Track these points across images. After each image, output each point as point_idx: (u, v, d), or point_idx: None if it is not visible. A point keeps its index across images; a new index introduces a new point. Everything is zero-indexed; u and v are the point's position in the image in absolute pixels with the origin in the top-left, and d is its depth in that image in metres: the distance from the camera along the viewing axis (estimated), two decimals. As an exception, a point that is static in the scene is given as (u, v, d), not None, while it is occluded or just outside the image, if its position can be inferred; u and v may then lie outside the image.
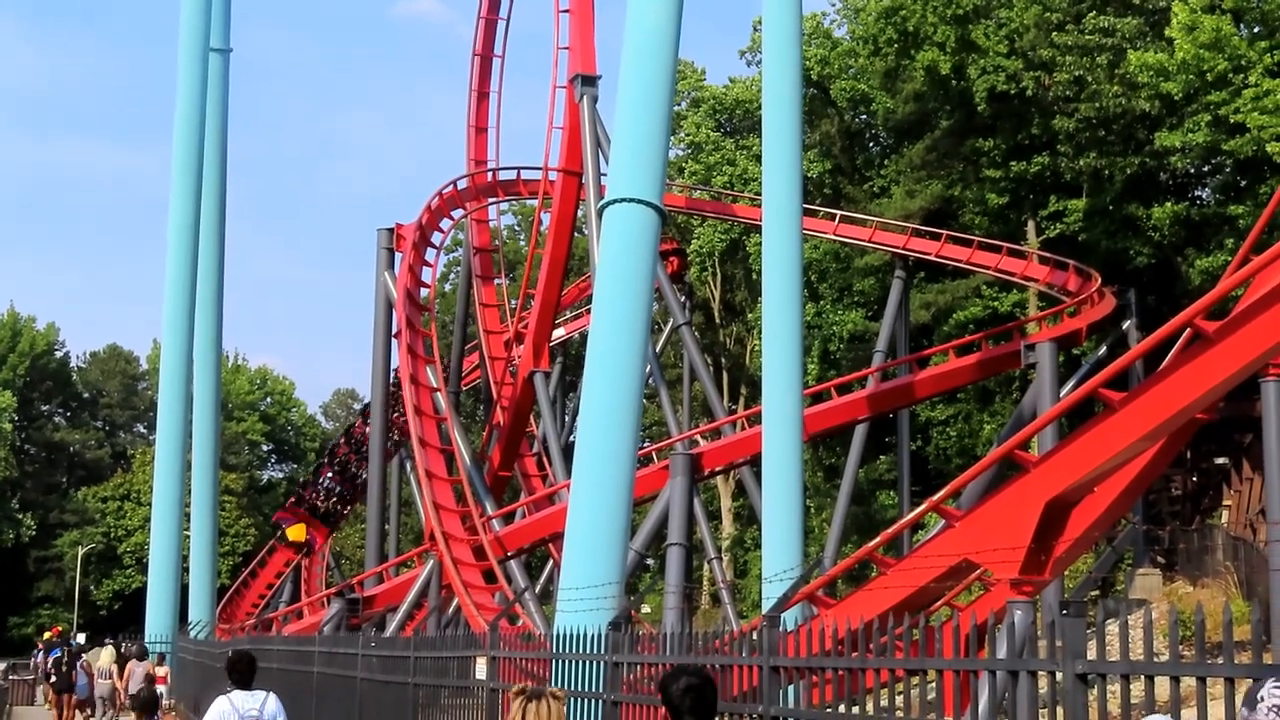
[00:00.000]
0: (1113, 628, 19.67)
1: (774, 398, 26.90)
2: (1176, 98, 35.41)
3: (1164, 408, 14.36)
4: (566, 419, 52.10)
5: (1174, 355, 15.64)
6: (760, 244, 29.20)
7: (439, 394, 41.66)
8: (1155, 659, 6.09)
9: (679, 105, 68.65)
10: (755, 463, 31.24)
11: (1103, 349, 39.43)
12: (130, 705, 18.64)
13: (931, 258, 44.99)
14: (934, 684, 8.05)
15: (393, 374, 45.80)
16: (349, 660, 18.03)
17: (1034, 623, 6.60)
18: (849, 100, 58.05)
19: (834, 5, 63.63)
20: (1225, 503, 36.76)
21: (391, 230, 44.79)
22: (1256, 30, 34.88)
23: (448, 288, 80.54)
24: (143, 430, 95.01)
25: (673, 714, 5.93)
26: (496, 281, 51.10)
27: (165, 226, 40.89)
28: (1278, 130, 31.23)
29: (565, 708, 6.71)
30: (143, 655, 30.19)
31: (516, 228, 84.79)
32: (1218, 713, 5.67)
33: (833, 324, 53.28)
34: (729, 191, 59.05)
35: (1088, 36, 39.48)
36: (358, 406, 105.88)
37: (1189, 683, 6.02)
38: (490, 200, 50.79)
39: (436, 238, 47.62)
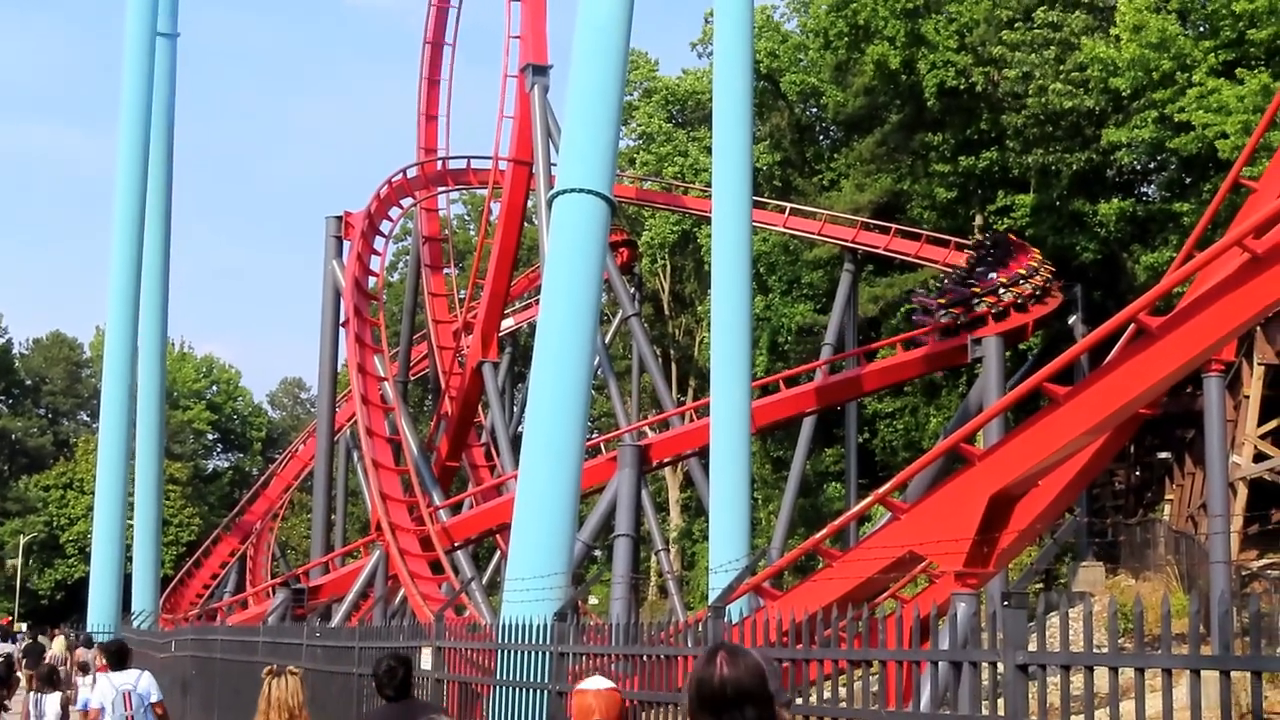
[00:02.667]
0: (1056, 620, 19.83)
1: (722, 390, 26.92)
2: (1124, 94, 35.69)
3: (1107, 402, 14.47)
4: (515, 409, 52.07)
5: (1118, 351, 15.79)
6: (710, 236, 29.20)
7: (386, 383, 41.53)
8: (1095, 650, 6.13)
9: (631, 96, 68.66)
10: (703, 454, 31.28)
11: (1049, 344, 39.71)
12: None
13: (880, 251, 45.19)
14: (877, 676, 8.09)
15: (340, 363, 45.62)
16: (293, 651, 17.92)
17: (977, 614, 6.66)
18: (799, 93, 58.18)
19: (785, -2, 63.83)
20: (1168, 497, 37.15)
21: (340, 218, 44.59)
22: (1202, 30, 35.19)
23: (396, 277, 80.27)
24: (86, 418, 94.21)
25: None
26: (445, 271, 50.99)
27: (111, 212, 40.45)
28: (1222, 128, 31.51)
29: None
30: (89, 644, 30.15)
31: (466, 217, 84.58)
32: (1155, 704, 5.72)
33: (782, 316, 53.42)
34: (680, 183, 59.09)
35: (1036, 32, 39.73)
36: (304, 396, 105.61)
37: (1129, 674, 6.08)
38: (440, 189, 50.68)
39: (385, 226, 47.45)
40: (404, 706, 8.78)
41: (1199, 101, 32.42)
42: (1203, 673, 5.64)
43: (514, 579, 19.20)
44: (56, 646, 31.41)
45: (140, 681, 14.97)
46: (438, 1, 53.24)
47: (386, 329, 48.17)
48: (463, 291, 50.62)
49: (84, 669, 28.79)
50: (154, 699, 14.97)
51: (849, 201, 49.43)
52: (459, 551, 37.64)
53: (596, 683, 6.41)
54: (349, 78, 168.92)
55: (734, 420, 26.69)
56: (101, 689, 14.63)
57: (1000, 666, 6.40)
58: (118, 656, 15.29)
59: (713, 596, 11.94)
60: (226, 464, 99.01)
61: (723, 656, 4.02)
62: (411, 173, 48.56)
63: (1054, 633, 19.34)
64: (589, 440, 37.55)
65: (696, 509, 57.11)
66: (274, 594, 38.87)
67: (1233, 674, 5.51)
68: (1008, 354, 37.56)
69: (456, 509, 40.34)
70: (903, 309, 47.48)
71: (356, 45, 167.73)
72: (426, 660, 12.34)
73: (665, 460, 39.35)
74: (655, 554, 50.35)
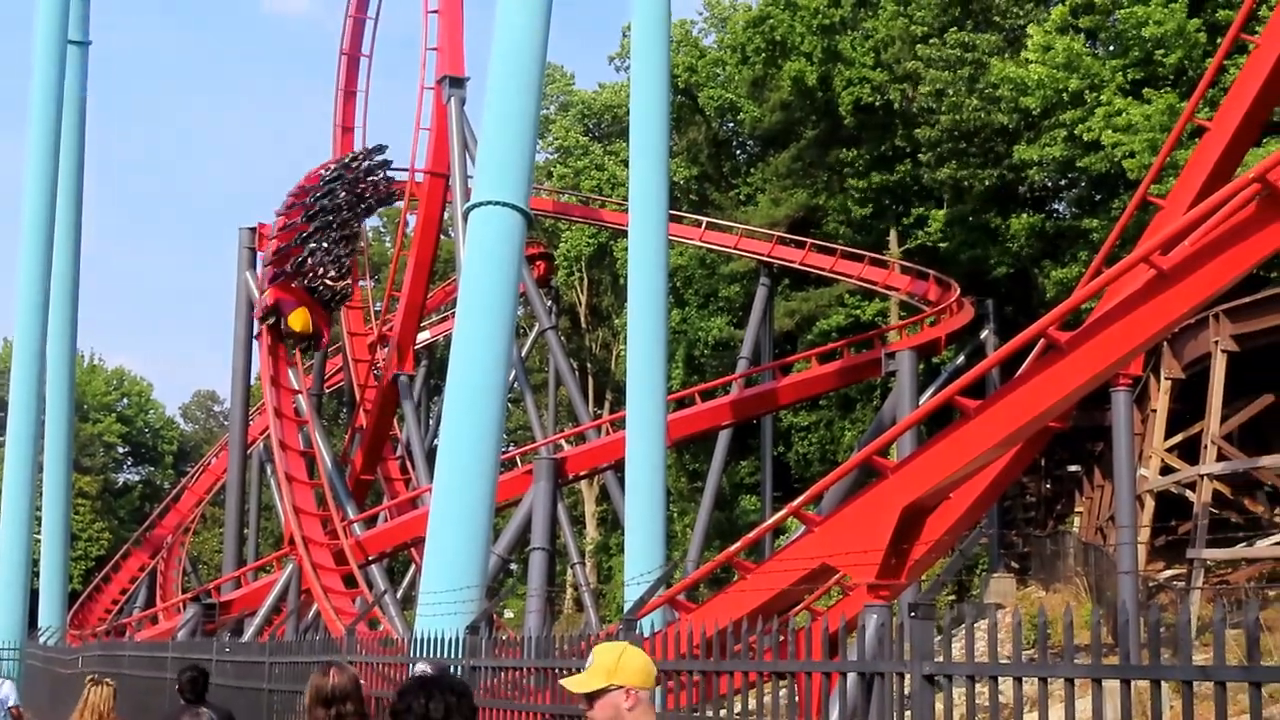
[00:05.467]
0: (988, 631, 20.00)
1: (638, 403, 26.94)
2: (1034, 113, 36.18)
3: (1017, 416, 14.64)
4: (431, 422, 51.75)
5: (1028, 365, 15.98)
6: (627, 249, 29.25)
7: (300, 396, 41.19)
8: (999, 661, 6.20)
9: (548, 109, 68.71)
10: (619, 467, 31.30)
11: (961, 358, 40.13)
12: None
13: (796, 265, 45.48)
14: (786, 689, 8.12)
15: (254, 376, 45.16)
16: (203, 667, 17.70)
17: (885, 625, 6.71)
18: (716, 108, 58.47)
19: (702, 14, 64.20)
20: (1077, 509, 37.62)
21: (254, 230, 44.19)
22: (1111, 50, 35.74)
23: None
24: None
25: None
26: (361, 283, 50.64)
27: (19, 222, 39.79)
28: (1130, 148, 32.01)
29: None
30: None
31: (382, 229, 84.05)
32: (1058, 713, 5.79)
33: (698, 330, 53.58)
34: (597, 196, 59.15)
35: (950, 50, 40.20)
36: (217, 408, 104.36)
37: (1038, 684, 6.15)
38: (356, 201, 50.31)
39: (300, 238, 47.07)
40: (195, 708, 10.54)
41: (1107, 121, 32.91)
42: (1109, 682, 5.73)
43: (428, 592, 19.11)
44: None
45: (2, 688, 19.13)
46: (355, 12, 53.00)
47: (301, 342, 47.77)
48: (378, 304, 50.32)
49: None
50: (11, 703, 18.40)
51: (765, 216, 49.72)
52: (373, 565, 37.39)
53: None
54: (265, 88, 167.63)
55: (650, 433, 26.72)
56: None
57: (908, 677, 6.46)
58: None
59: (628, 609, 11.95)
60: (137, 477, 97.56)
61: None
62: (328, 184, 48.23)
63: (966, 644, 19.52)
64: (504, 453, 37.52)
65: (613, 522, 57.08)
66: (184, 609, 38.39)
67: (1134, 683, 5.59)
68: (921, 368, 37.91)
69: (371, 523, 40.05)
70: (818, 322, 47.75)
71: (274, 57, 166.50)
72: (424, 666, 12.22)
73: (581, 473, 39.34)
74: (571, 567, 50.26)
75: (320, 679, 6.12)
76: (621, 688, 4.55)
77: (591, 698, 4.62)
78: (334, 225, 43.30)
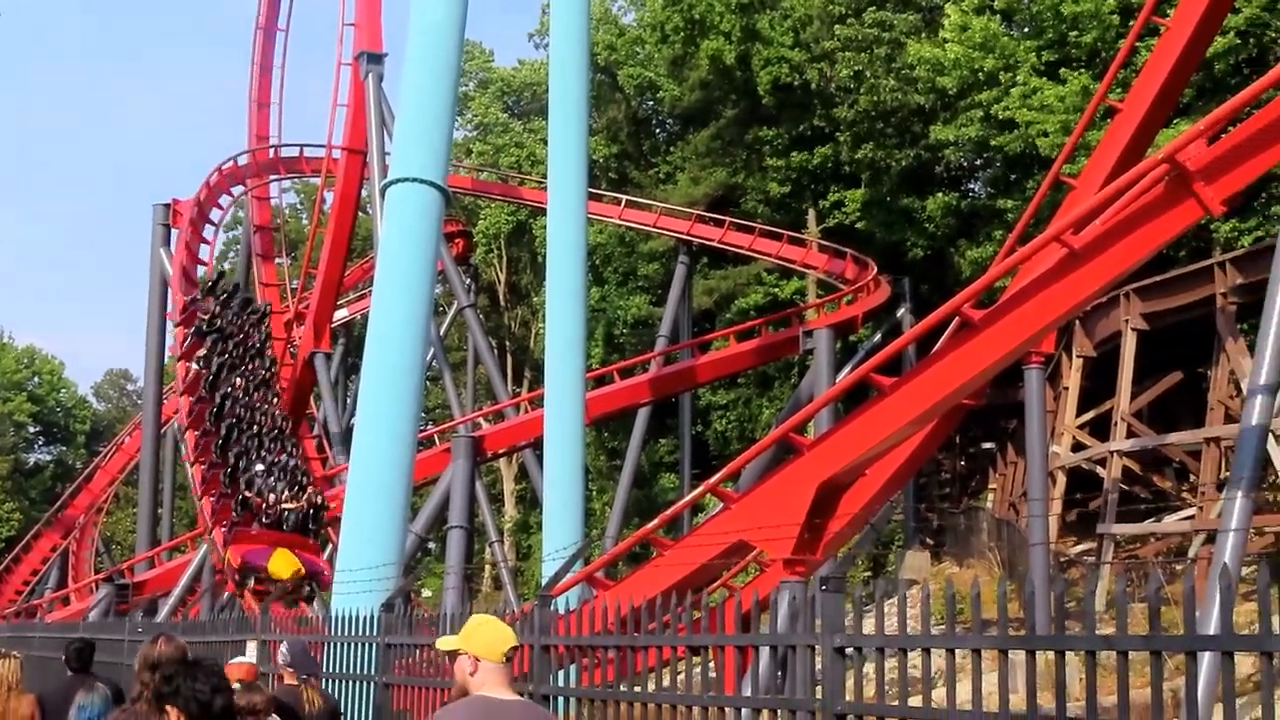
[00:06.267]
0: (885, 605, 20.11)
1: (556, 381, 26.96)
2: (950, 93, 36.45)
3: (931, 393, 14.80)
4: (348, 401, 51.48)
5: (942, 343, 16.14)
6: (546, 227, 29.23)
7: (216, 374, 40.68)
8: (908, 634, 6.28)
9: (466, 86, 68.34)
10: (538, 445, 31.28)
11: (878, 336, 40.45)
12: None
13: (715, 244, 45.60)
14: (702, 665, 8.17)
15: (168, 354, 44.66)
16: (115, 647, 17.54)
17: (796, 600, 6.77)
18: (636, 86, 58.40)
19: (622, -9, 64.03)
20: (991, 486, 38.06)
21: (168, 206, 43.71)
22: (1026, 30, 36.07)
23: (227, 266, 78.73)
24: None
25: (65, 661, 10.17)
26: (277, 261, 50.18)
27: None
28: (1044, 127, 32.34)
29: (20, 665, 10.35)
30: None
31: (299, 206, 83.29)
32: (968, 685, 5.88)
33: (617, 308, 53.59)
34: (516, 174, 58.94)
35: (867, 30, 40.38)
36: (131, 388, 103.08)
37: (958, 656, 6.23)
38: (272, 177, 49.94)
39: (215, 214, 46.69)
40: (80, 678, 10.71)
41: (1022, 101, 33.23)
42: (1016, 654, 5.81)
43: (344, 570, 19.05)
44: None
45: None
46: (271, -14, 52.37)
47: (216, 319, 47.24)
48: (295, 281, 49.89)
49: None
50: None
51: (684, 194, 49.78)
52: (290, 544, 37.06)
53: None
54: (181, 63, 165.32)
55: (568, 411, 26.76)
56: None
57: (818, 650, 6.53)
58: None
59: (544, 586, 11.99)
60: (48, 457, 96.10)
61: (163, 639, 7.02)
62: (243, 160, 47.79)
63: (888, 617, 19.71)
64: (422, 432, 37.36)
65: (532, 500, 57.04)
66: (97, 590, 37.97)
67: (1040, 654, 5.69)
68: (838, 346, 38.17)
69: (288, 502, 39.68)
70: (737, 300, 47.97)
71: (188, 28, 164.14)
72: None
73: (500, 451, 39.30)
74: (489, 545, 50.20)
75: (149, 648, 6.92)
76: (468, 654, 5.28)
77: (451, 657, 5.44)
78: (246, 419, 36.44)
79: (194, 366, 36.88)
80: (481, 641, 5.30)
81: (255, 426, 36.22)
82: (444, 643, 5.54)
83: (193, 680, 5.17)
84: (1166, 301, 26.12)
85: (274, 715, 8.25)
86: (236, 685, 7.93)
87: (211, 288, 40.65)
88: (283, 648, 9.84)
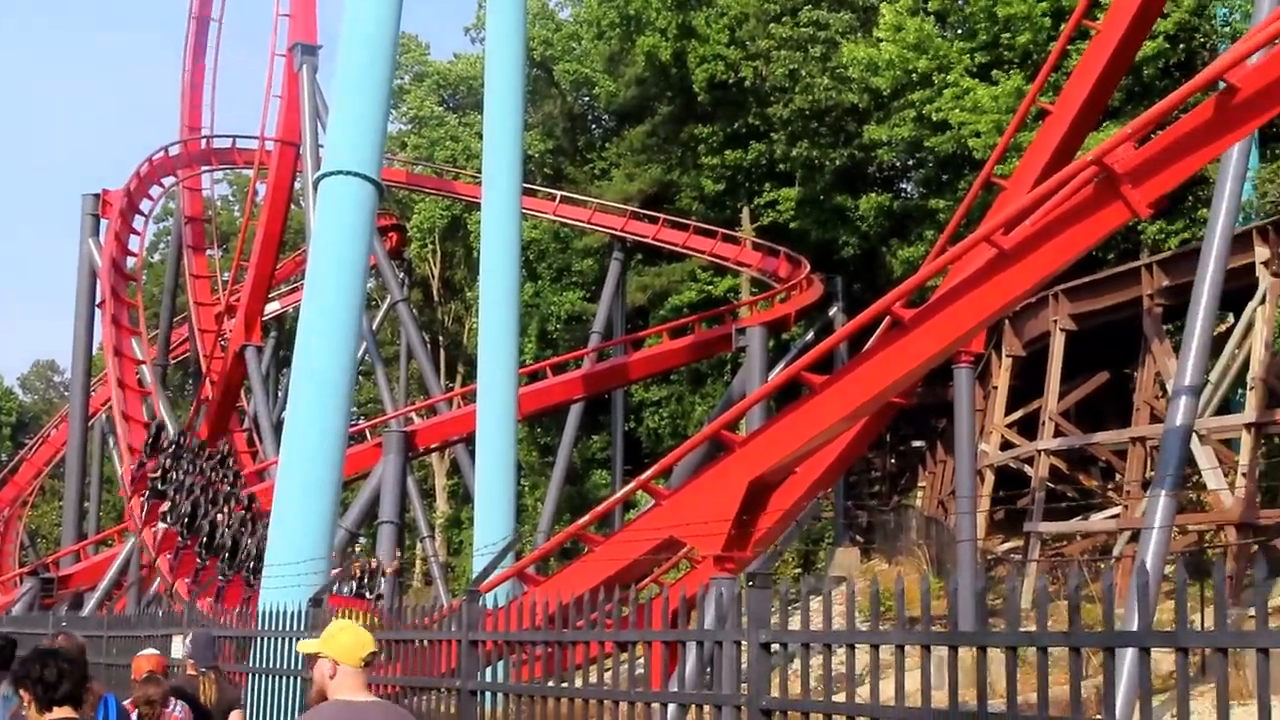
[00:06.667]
0: (815, 602, 20.33)
1: (489, 376, 26.93)
2: (884, 93, 36.68)
3: (861, 391, 14.89)
4: (279, 394, 51.08)
5: (873, 341, 16.26)
6: (481, 222, 29.18)
7: (144, 367, 40.44)
8: (833, 629, 6.33)
9: (402, 79, 67.90)
10: (470, 441, 31.24)
11: (810, 334, 40.65)
12: None
13: (649, 240, 45.65)
14: (628, 659, 8.19)
15: (96, 345, 44.16)
16: (37, 641, 17.33)
17: (724, 596, 6.81)
18: (572, 82, 58.30)
19: (560, -14, 63.87)
20: (920, 484, 38.35)
21: (97, 196, 43.22)
22: (960, 32, 36.36)
23: (157, 257, 77.89)
24: None
25: None
26: (209, 252, 49.78)
27: None
28: (976, 128, 32.63)
29: None
30: None
31: (231, 198, 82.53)
32: (910, 681, 5.94)
33: (550, 304, 53.50)
34: (451, 168, 58.70)
35: (802, 29, 40.56)
36: (58, 379, 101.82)
37: (884, 652, 6.28)
38: (204, 168, 49.51)
39: (146, 205, 46.24)
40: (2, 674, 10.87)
41: (955, 102, 33.51)
42: (939, 650, 5.88)
43: (273, 565, 18.93)
44: None
45: None
46: (205, -25, 51.89)
47: (146, 311, 46.83)
48: (226, 274, 49.49)
49: None
50: None
51: (619, 191, 49.77)
52: (219, 539, 36.77)
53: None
54: (110, 50, 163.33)
55: (500, 406, 26.75)
56: None
57: (744, 645, 6.56)
58: None
59: (472, 581, 11.98)
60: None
61: (63, 636, 7.59)
62: (174, 150, 47.33)
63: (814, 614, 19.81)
64: (354, 426, 37.14)
65: (463, 496, 56.82)
66: (21, 583, 37.52)
67: (961, 650, 5.75)
68: (771, 344, 38.32)
69: (217, 496, 39.38)
70: (670, 297, 48.05)
71: (119, 16, 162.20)
72: (178, 649, 12.04)
73: (432, 446, 39.15)
74: (421, 541, 50.03)
75: (50, 643, 7.57)
76: (327, 658, 5.34)
77: (310, 661, 5.67)
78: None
79: (161, 527, 33.13)
80: (341, 646, 5.37)
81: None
82: (304, 646, 5.63)
83: (42, 666, 5.85)
84: (1095, 302, 26.41)
85: (179, 703, 8.68)
86: (145, 677, 8.62)
87: (153, 445, 36.17)
88: (186, 640, 9.86)
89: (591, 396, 41.60)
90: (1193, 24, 31.34)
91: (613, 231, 46.06)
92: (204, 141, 49.24)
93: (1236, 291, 21.44)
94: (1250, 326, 22.25)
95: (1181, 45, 31.47)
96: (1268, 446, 23.12)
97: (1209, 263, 17.66)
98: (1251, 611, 15.99)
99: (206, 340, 46.56)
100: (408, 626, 9.99)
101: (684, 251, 45.67)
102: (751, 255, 44.19)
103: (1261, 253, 22.01)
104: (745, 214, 47.33)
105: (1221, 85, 12.93)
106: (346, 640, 5.39)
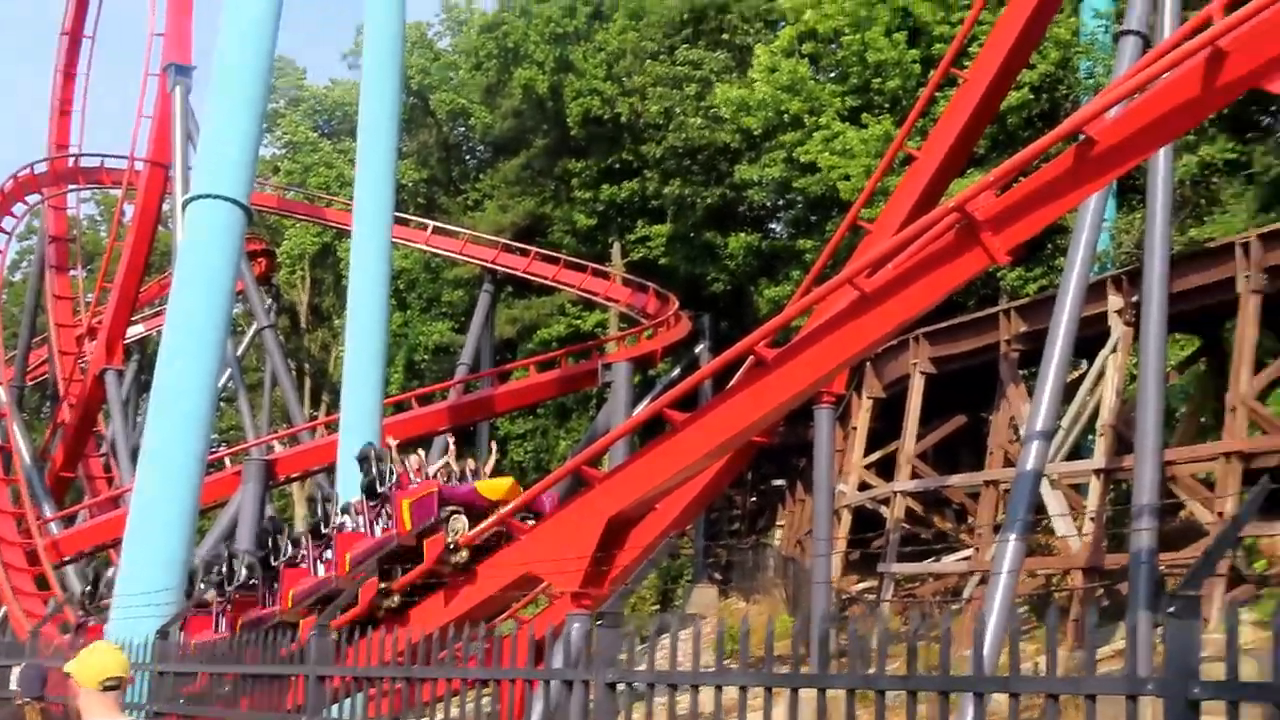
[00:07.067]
0: (670, 640, 20.41)
1: (353, 405, 26.70)
2: (756, 134, 37.11)
3: (722, 429, 14.96)
4: (139, 419, 50.08)
5: (735, 380, 16.37)
6: (351, 250, 28.97)
7: (0, 388, 39.49)
8: (679, 669, 6.39)
9: (277, 103, 67.22)
10: (331, 470, 30.88)
11: (676, 370, 40.86)
12: None
13: (519, 273, 45.62)
14: (489, 696, 8.18)
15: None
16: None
17: (575, 634, 6.84)
18: (448, 112, 58.19)
19: (439, 16, 63.78)
20: (779, 522, 38.59)
21: (-38, 212, 42.19)
22: (832, 75, 36.95)
23: (19, 276, 76.11)
24: None
25: None
26: (72, 273, 48.72)
27: None
28: (845, 171, 33.13)
29: None
30: None
31: (98, 218, 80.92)
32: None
33: (419, 334, 53.22)
34: (324, 194, 58.16)
35: (678, 68, 40.94)
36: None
37: (733, 693, 6.35)
38: (70, 187, 48.56)
39: (9, 223, 45.30)
40: None
41: (825, 144, 34.01)
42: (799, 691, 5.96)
43: (124, 594, 18.56)
44: None
45: None
46: (77, -10, 50.90)
47: (4, 331, 45.75)
48: (90, 295, 48.49)
49: None
50: None
51: (492, 222, 49.75)
52: (69, 566, 36.02)
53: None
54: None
55: (364, 436, 26.43)
56: None
57: (591, 684, 6.60)
58: None
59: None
60: None
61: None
62: (40, 168, 46.38)
63: (665, 652, 19.87)
64: (214, 453, 36.56)
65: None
66: None
67: (802, 691, 5.84)
68: (637, 379, 38.46)
69: (70, 522, 38.58)
70: (539, 331, 48.04)
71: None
72: (15, 680, 11.73)
73: (293, 475, 38.62)
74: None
75: None
76: (72, 678, 5.43)
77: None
78: None
79: None
80: (85, 668, 5.38)
81: None
82: (67, 665, 5.66)
83: None
84: (954, 346, 26.86)
85: None
86: None
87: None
88: (16, 670, 9.73)
89: (457, 428, 41.36)
90: (1057, 75, 32.13)
91: (484, 263, 45.96)
92: (72, 160, 48.28)
93: (1090, 339, 21.93)
94: (1102, 373, 22.78)
95: (1045, 96, 32.23)
96: (1115, 492, 23.65)
97: (1064, 310, 18.05)
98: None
99: (66, 362, 45.53)
100: (253, 661, 9.86)
101: (554, 285, 45.73)
102: (621, 290, 44.36)
103: (1115, 301, 22.57)
104: (616, 249, 47.56)
105: (1081, 137, 13.25)
106: (93, 664, 5.39)
